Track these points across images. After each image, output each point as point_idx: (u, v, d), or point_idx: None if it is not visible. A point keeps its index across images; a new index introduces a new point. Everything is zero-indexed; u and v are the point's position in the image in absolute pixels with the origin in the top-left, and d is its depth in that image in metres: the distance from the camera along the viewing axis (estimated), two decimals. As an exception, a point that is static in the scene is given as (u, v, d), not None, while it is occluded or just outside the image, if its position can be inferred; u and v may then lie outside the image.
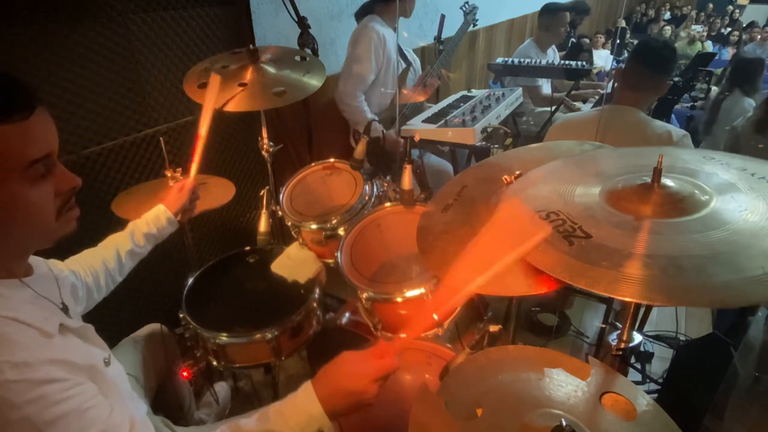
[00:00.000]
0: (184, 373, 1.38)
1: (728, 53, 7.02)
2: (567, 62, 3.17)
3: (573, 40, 5.02)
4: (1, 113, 0.68)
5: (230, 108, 1.50)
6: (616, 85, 1.87)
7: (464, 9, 2.77)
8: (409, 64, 2.67)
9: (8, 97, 0.70)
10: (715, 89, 3.99)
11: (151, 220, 1.30)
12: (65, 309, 0.87)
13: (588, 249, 0.74)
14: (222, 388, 1.79)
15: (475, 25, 2.81)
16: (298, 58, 1.78)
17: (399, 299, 1.25)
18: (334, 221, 1.56)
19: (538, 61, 3.22)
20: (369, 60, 2.36)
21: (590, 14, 4.48)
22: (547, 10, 3.33)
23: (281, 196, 1.72)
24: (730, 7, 9.67)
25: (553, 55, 3.53)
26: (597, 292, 0.68)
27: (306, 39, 2.11)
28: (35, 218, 0.75)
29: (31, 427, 0.64)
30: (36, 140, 0.73)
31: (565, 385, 0.74)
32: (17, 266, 0.81)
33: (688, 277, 0.65)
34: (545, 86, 3.42)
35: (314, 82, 1.63)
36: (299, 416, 0.80)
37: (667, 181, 0.82)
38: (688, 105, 4.22)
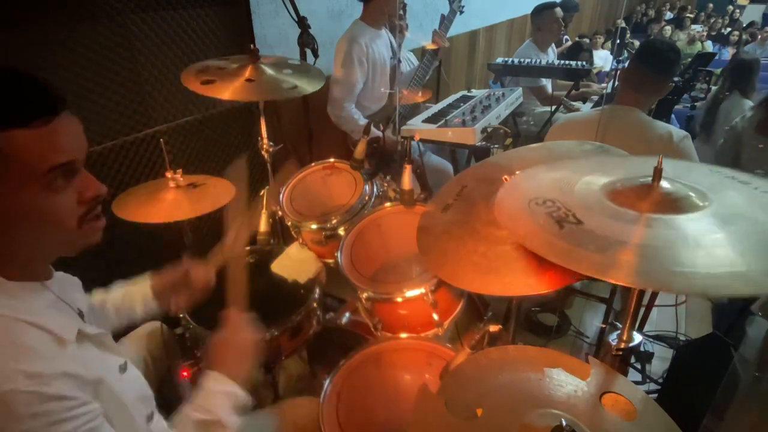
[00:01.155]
0: (184, 373, 1.38)
1: (728, 53, 7.02)
2: (567, 62, 3.17)
3: (566, 38, 5.02)
4: (20, 118, 0.66)
5: (245, 98, 1.52)
6: (618, 84, 1.86)
7: None
8: (399, 60, 2.67)
9: (29, 101, 0.68)
10: (715, 89, 3.99)
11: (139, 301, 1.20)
12: (81, 314, 0.86)
13: (577, 233, 0.75)
14: (222, 388, 1.79)
15: (461, 12, 2.80)
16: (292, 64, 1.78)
17: (399, 299, 1.25)
18: (334, 221, 1.56)
19: (538, 61, 3.22)
20: (352, 74, 2.37)
21: (579, 10, 4.46)
22: (536, 11, 3.33)
23: (281, 196, 1.72)
24: (731, 7, 9.67)
25: (552, 55, 3.53)
26: (582, 272, 0.69)
27: (306, 39, 2.11)
28: (54, 226, 0.73)
29: None
30: (57, 147, 0.70)
31: (565, 385, 0.74)
32: (39, 269, 0.80)
33: (666, 264, 0.66)
34: (548, 85, 3.42)
35: (314, 86, 1.63)
36: (219, 399, 0.88)
37: (665, 183, 0.82)
38: (688, 105, 4.22)
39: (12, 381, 0.63)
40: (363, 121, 2.42)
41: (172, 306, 1.18)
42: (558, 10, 3.30)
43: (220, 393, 0.88)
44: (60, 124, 0.70)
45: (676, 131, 1.67)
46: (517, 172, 1.08)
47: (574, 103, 3.22)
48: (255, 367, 0.95)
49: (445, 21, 2.72)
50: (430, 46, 2.63)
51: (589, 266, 0.68)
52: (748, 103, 3.21)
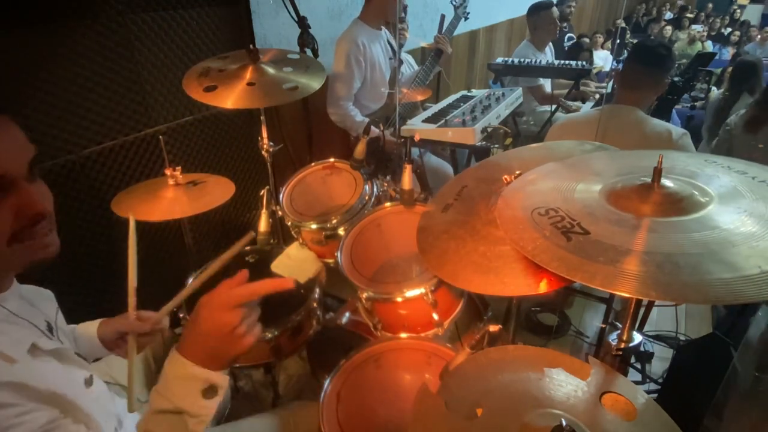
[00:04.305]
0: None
1: (728, 53, 7.02)
2: (567, 62, 3.17)
3: (571, 35, 4.97)
4: None
5: (248, 105, 1.52)
6: (615, 86, 1.88)
7: (454, 3, 2.79)
8: (400, 63, 2.68)
9: None
10: (714, 89, 3.99)
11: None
12: (50, 328, 0.83)
13: (585, 245, 0.74)
14: (222, 388, 1.79)
15: (466, 18, 2.81)
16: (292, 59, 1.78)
17: (399, 299, 1.25)
18: (334, 221, 1.56)
19: (538, 60, 3.21)
20: (350, 73, 2.38)
21: (576, 0, 4.43)
22: (532, 11, 3.33)
23: (281, 196, 1.72)
24: (735, 7, 9.67)
25: (550, 54, 3.53)
26: (594, 287, 0.68)
27: (306, 39, 2.11)
28: None
29: None
30: None
31: (565, 385, 0.74)
32: None
33: (684, 274, 0.65)
34: (547, 85, 3.42)
35: (315, 82, 1.64)
36: (176, 387, 0.72)
37: (667, 182, 0.82)
38: (688, 105, 4.22)
39: None
40: (360, 118, 2.42)
41: (117, 352, 1.10)
42: (554, 9, 3.30)
43: (180, 378, 0.72)
44: None
45: (675, 129, 1.67)
46: (517, 172, 1.08)
47: (572, 104, 3.22)
48: (234, 351, 0.75)
49: (449, 26, 2.72)
50: (429, 47, 2.64)
51: (604, 280, 0.68)
52: None
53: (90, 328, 1.10)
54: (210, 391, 0.72)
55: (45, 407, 0.70)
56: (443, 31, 2.71)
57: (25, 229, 0.70)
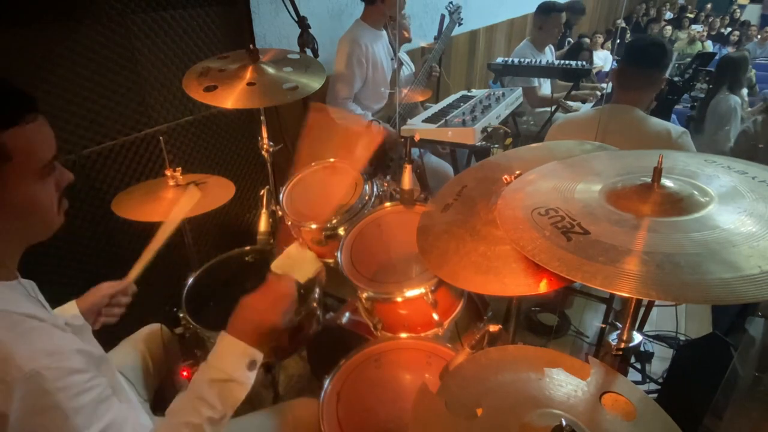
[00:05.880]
0: (184, 373, 1.38)
1: (728, 53, 7.02)
2: (567, 62, 3.17)
3: (569, 39, 5.01)
4: (19, 115, 0.72)
5: (248, 104, 1.53)
6: (613, 86, 1.87)
7: (449, 9, 2.81)
8: (400, 63, 2.69)
9: (20, 101, 0.73)
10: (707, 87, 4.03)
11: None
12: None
13: (585, 245, 0.74)
14: (222, 387, 1.79)
15: (460, 24, 2.84)
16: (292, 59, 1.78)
17: (399, 299, 1.25)
18: (334, 221, 1.56)
19: (538, 61, 3.21)
20: (351, 73, 2.39)
21: (585, 14, 4.48)
22: (541, 10, 3.33)
23: (281, 195, 1.72)
24: (735, 7, 9.67)
25: (550, 55, 3.53)
26: (594, 287, 0.68)
27: (306, 39, 2.11)
28: (46, 213, 0.79)
29: (60, 414, 0.67)
30: (47, 140, 0.77)
31: (565, 385, 0.74)
32: (10, 268, 0.82)
33: (684, 273, 0.65)
34: (544, 86, 3.41)
35: (315, 82, 1.64)
36: (230, 361, 0.90)
37: (667, 182, 0.82)
38: (689, 105, 4.22)
39: (35, 360, 0.67)
40: (360, 112, 2.43)
41: (95, 324, 1.15)
42: (563, 14, 3.31)
43: (234, 354, 0.90)
44: (43, 120, 0.76)
45: (674, 128, 1.67)
46: (517, 172, 1.08)
47: (572, 104, 3.21)
48: (275, 332, 0.96)
49: (446, 30, 2.74)
50: (429, 46, 2.65)
51: (604, 280, 0.68)
52: (735, 99, 3.26)
53: (69, 309, 1.14)
54: (252, 365, 0.92)
55: (102, 375, 0.77)
56: (441, 35, 2.73)
57: (62, 197, 0.84)
